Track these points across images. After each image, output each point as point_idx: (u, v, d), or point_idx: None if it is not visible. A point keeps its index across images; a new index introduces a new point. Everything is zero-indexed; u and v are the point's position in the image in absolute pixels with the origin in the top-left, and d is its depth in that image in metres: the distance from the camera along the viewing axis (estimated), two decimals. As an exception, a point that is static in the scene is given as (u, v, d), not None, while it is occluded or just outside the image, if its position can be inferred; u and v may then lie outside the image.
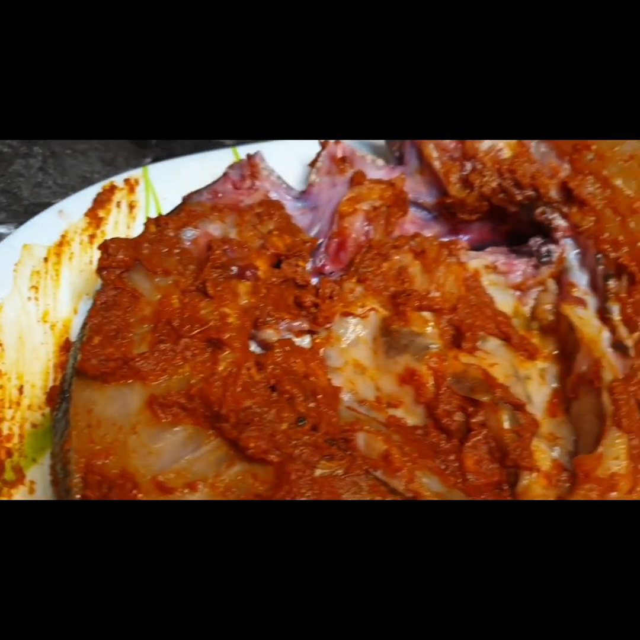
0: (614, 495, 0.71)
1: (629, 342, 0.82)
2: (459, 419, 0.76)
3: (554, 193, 0.89)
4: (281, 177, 0.93)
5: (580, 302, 0.86)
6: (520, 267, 0.91)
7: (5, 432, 0.77)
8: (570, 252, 0.90)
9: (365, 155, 0.95)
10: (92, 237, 0.90)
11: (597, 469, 0.72)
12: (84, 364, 0.71)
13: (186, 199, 0.89)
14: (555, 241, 0.90)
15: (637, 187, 0.86)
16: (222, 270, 0.80)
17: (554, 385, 0.85)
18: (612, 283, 0.85)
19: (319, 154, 0.94)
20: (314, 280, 0.86)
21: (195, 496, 0.65)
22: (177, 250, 0.80)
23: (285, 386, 0.72)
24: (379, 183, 0.91)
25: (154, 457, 0.67)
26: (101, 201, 0.92)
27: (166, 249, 0.80)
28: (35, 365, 0.81)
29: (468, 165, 0.91)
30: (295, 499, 0.64)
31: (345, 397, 0.78)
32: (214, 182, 0.91)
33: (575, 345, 0.84)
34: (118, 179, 0.94)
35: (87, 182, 0.97)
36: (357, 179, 0.91)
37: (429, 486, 0.70)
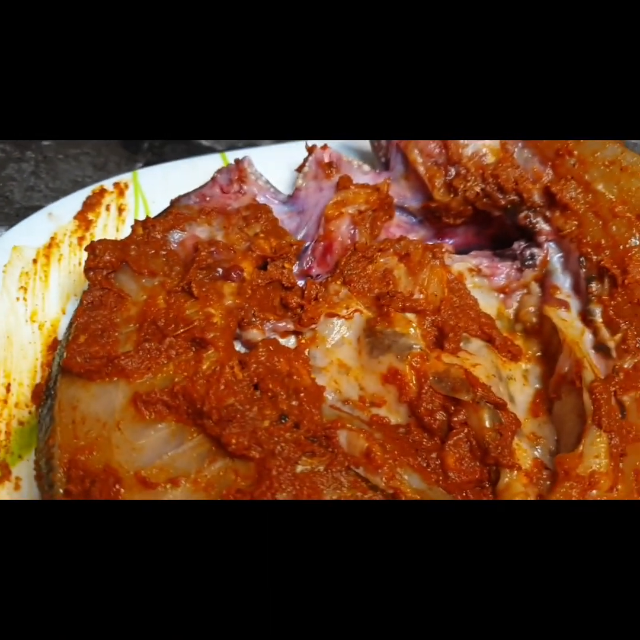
0: (594, 494, 0.72)
1: (611, 344, 0.83)
2: (440, 417, 0.76)
3: (537, 197, 0.91)
4: (269, 181, 0.95)
5: (564, 304, 0.87)
6: (504, 270, 0.92)
7: (-8, 429, 0.78)
8: (554, 255, 0.91)
9: (352, 160, 0.96)
10: (81, 239, 0.92)
11: (578, 467, 0.73)
12: (70, 361, 0.71)
13: (174, 202, 0.91)
14: (539, 245, 0.91)
15: (618, 192, 0.88)
16: (208, 272, 0.81)
17: (537, 386, 0.86)
18: (594, 286, 0.86)
19: (306, 159, 0.95)
20: (301, 283, 0.87)
21: (178, 491, 0.66)
22: (164, 252, 0.82)
23: (268, 384, 0.73)
24: (365, 187, 0.92)
25: (137, 453, 0.68)
26: (91, 204, 0.93)
27: (153, 251, 0.81)
28: (22, 364, 0.83)
29: (452, 171, 0.92)
30: (276, 495, 0.64)
31: (329, 396, 0.79)
32: (202, 186, 0.93)
33: (558, 346, 0.85)
34: (108, 183, 0.95)
35: (79, 186, 0.98)
36: (343, 184, 0.92)
37: (410, 483, 0.70)
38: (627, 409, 0.77)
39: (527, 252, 0.92)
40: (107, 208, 0.94)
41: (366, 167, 0.96)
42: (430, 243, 0.93)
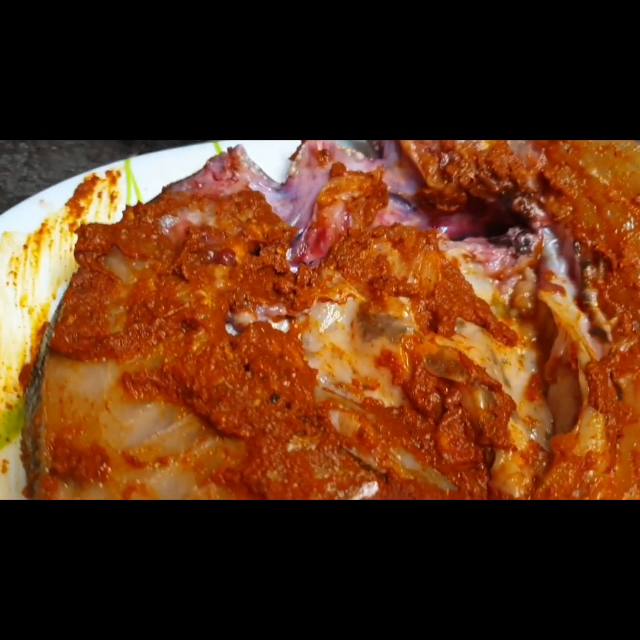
0: (590, 474, 0.71)
1: (607, 328, 0.82)
2: (434, 399, 0.75)
3: (531, 183, 0.90)
4: (262, 169, 0.94)
5: (559, 289, 0.87)
6: (499, 256, 0.91)
7: (-20, 412, 0.77)
8: (548, 241, 0.90)
9: (345, 148, 0.96)
10: (72, 225, 0.91)
11: (574, 447, 0.71)
12: (58, 341, 0.71)
13: (166, 189, 0.90)
14: (534, 231, 0.91)
15: (613, 176, 0.87)
16: (199, 255, 0.80)
17: (533, 370, 0.85)
18: (589, 270, 0.85)
19: (299, 147, 0.95)
20: (294, 270, 0.87)
21: (166, 470, 0.65)
22: (155, 237, 0.81)
23: (259, 365, 0.71)
24: (358, 174, 0.92)
25: (125, 432, 0.67)
26: (82, 191, 0.93)
27: (144, 235, 0.80)
28: (11, 348, 0.82)
29: (446, 157, 0.92)
30: (266, 473, 0.63)
31: (322, 379, 0.78)
32: (195, 174, 0.92)
33: (554, 331, 0.84)
34: (100, 171, 0.95)
35: (72, 176, 0.97)
36: (337, 171, 0.92)
37: (404, 463, 0.69)
38: (624, 391, 0.76)
39: (522, 238, 0.91)
40: (99, 195, 0.94)
41: (360, 155, 0.96)
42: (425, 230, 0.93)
